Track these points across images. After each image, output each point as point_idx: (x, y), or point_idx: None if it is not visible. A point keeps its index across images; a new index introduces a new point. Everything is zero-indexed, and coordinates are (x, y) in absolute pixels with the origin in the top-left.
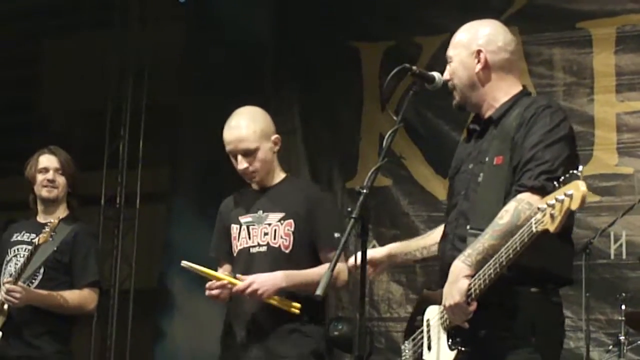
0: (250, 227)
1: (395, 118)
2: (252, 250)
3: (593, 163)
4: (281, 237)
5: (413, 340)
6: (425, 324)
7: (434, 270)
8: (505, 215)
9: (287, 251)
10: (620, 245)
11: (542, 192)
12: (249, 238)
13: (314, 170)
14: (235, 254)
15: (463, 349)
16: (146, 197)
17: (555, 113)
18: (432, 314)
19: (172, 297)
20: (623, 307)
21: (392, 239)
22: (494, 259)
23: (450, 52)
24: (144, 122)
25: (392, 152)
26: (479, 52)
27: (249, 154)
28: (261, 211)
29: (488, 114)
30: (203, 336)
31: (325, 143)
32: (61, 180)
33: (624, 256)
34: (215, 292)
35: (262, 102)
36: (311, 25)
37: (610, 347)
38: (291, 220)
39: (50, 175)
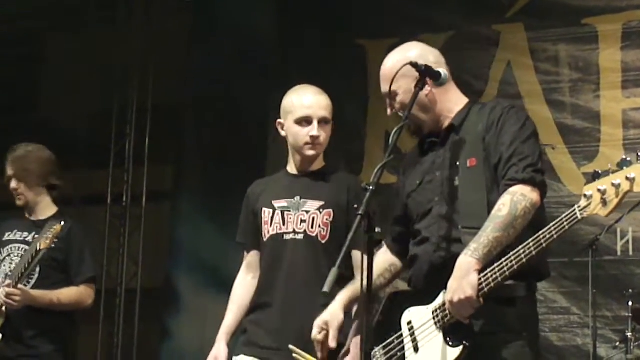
0: (285, 213)
1: (400, 114)
2: (286, 237)
3: (599, 159)
4: (319, 227)
5: (386, 346)
6: (406, 327)
7: None
8: (504, 208)
9: (323, 241)
10: (627, 241)
11: (532, 183)
12: (283, 224)
13: None
14: (265, 239)
15: (467, 343)
16: (152, 195)
17: (520, 112)
18: (415, 315)
19: (178, 296)
20: (630, 303)
21: None
22: (516, 250)
23: (390, 88)
24: (150, 120)
25: (398, 150)
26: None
27: (325, 123)
28: (299, 197)
29: (447, 122)
30: (209, 335)
31: (330, 140)
32: (20, 186)
33: (630, 253)
34: None
35: (267, 101)
36: (316, 22)
37: (617, 343)
38: (330, 210)
39: (12, 184)
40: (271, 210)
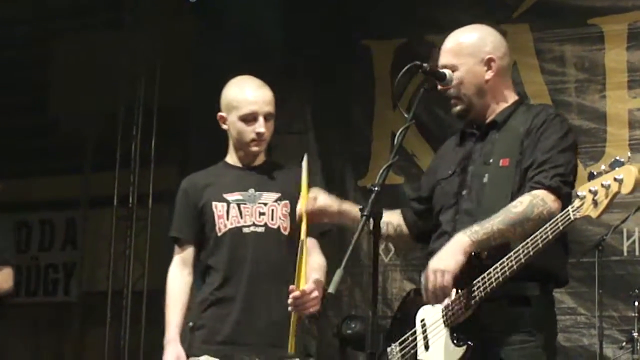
0: (242, 206)
1: (406, 116)
2: (245, 230)
3: (605, 159)
4: (280, 218)
5: (402, 342)
6: (419, 324)
7: None
8: (520, 206)
9: (285, 233)
10: (633, 241)
11: (557, 192)
12: (241, 217)
13: (326, 169)
14: (220, 233)
15: (471, 343)
16: (159, 197)
17: (564, 122)
18: (428, 313)
19: None
20: (636, 303)
21: None
22: (516, 250)
23: (453, 60)
24: (156, 122)
25: (404, 150)
26: (491, 59)
27: (270, 118)
28: (252, 189)
29: (491, 118)
30: None
31: (337, 142)
32: None
33: (636, 253)
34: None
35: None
36: (322, 23)
37: (624, 343)
38: (287, 202)
39: None
40: (225, 204)
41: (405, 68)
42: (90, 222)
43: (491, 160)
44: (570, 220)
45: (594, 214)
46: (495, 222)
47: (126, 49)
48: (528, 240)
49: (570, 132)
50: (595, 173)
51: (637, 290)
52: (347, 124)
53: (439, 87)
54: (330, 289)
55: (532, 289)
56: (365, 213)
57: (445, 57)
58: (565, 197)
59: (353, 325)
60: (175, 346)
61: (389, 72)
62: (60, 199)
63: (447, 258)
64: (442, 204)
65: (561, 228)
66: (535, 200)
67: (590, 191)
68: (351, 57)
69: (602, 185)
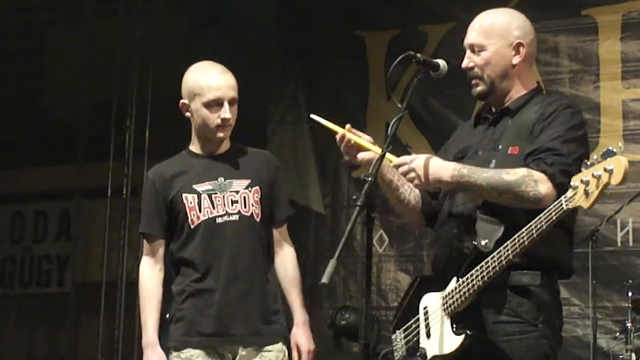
0: (213, 196)
1: (400, 106)
2: (219, 220)
3: (599, 150)
4: (252, 205)
5: (405, 330)
6: (422, 311)
7: None
8: (512, 175)
9: (258, 219)
10: (627, 232)
11: (552, 179)
12: (213, 207)
13: (320, 160)
14: (193, 225)
15: (469, 332)
16: None
17: (577, 114)
18: (431, 301)
19: None
20: (630, 294)
21: (399, 228)
22: (512, 239)
23: (481, 40)
24: (150, 112)
25: (398, 141)
26: (520, 44)
27: (233, 104)
28: (222, 178)
29: (506, 104)
30: None
31: (331, 133)
32: None
33: (630, 243)
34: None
35: (267, 93)
36: (316, 14)
37: (618, 334)
38: (258, 188)
39: None
40: (196, 195)
41: (399, 58)
42: (84, 213)
43: (500, 147)
44: (563, 210)
45: (585, 204)
46: (480, 177)
47: (120, 39)
48: (523, 230)
49: (581, 125)
50: (588, 163)
51: (630, 281)
52: (341, 115)
53: (433, 74)
54: (324, 280)
55: (534, 278)
56: (358, 203)
57: (474, 35)
58: (559, 187)
59: (347, 316)
60: (156, 349)
61: (382, 63)
62: (54, 190)
63: (429, 173)
64: (445, 189)
65: (554, 218)
66: (529, 178)
67: (582, 181)
68: (345, 48)
69: (593, 176)
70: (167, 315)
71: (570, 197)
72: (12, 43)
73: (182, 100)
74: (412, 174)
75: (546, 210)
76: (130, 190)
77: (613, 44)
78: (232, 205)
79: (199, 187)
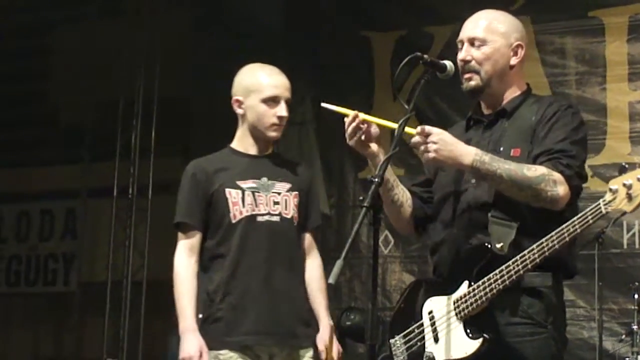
0: (256, 194)
1: (406, 107)
2: (260, 218)
3: (606, 152)
4: (292, 209)
5: (406, 335)
6: (427, 316)
7: None
8: (533, 172)
9: (296, 223)
10: (633, 234)
11: (569, 182)
12: (256, 205)
13: (327, 161)
14: (234, 221)
15: (487, 336)
16: (158, 187)
17: (577, 115)
18: (436, 305)
19: None
20: (636, 296)
21: None
22: (539, 243)
23: (483, 35)
24: (156, 112)
25: (404, 142)
26: (519, 46)
27: (288, 104)
28: (265, 178)
29: (500, 106)
30: None
31: (337, 133)
32: None
33: (636, 245)
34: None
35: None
36: (322, 15)
37: (623, 336)
38: (297, 193)
39: None
40: (239, 191)
41: (406, 59)
42: (90, 213)
43: (501, 149)
44: (601, 214)
45: (628, 207)
46: (502, 168)
47: (126, 38)
48: (553, 233)
49: (582, 126)
50: (627, 165)
51: (637, 283)
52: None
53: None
54: (330, 280)
55: (546, 279)
56: (365, 204)
57: (475, 29)
58: (574, 189)
59: (352, 317)
60: (197, 336)
61: (389, 64)
62: (60, 189)
63: (449, 151)
64: (449, 190)
65: (591, 222)
66: (549, 177)
67: (624, 185)
68: (351, 48)
69: (638, 179)
70: (200, 316)
71: (610, 201)
72: (18, 43)
73: (235, 97)
74: (432, 146)
75: (582, 214)
76: (137, 189)
77: (620, 46)
78: (274, 206)
79: (243, 184)
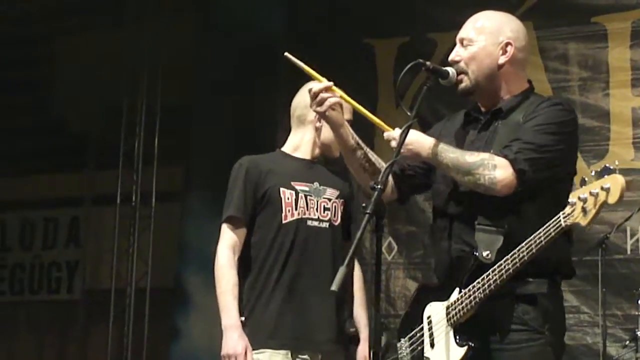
0: (308, 197)
1: (409, 114)
2: (310, 222)
3: (609, 158)
4: (340, 216)
5: (410, 338)
6: (426, 321)
7: None
8: (472, 157)
9: (342, 231)
10: (637, 240)
11: (513, 165)
12: (307, 208)
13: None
14: (285, 221)
15: (472, 344)
16: (162, 195)
17: (564, 112)
18: (435, 310)
19: (188, 296)
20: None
21: (408, 235)
22: (512, 254)
23: (471, 34)
24: (159, 120)
25: None
26: (508, 44)
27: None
28: (317, 183)
29: (497, 105)
30: (220, 334)
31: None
32: None
33: None
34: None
35: (276, 99)
36: (324, 20)
37: (627, 342)
38: (343, 201)
39: None
40: (293, 192)
41: (408, 66)
42: (94, 221)
43: (492, 150)
44: (561, 227)
45: (583, 222)
46: (448, 157)
47: (129, 47)
48: (523, 245)
49: (568, 123)
50: (586, 179)
51: None
52: (349, 122)
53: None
54: (334, 287)
55: (540, 286)
56: (367, 211)
57: (466, 29)
58: (519, 173)
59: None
60: (241, 333)
61: (391, 71)
62: (64, 197)
63: (408, 150)
64: (448, 190)
65: (553, 234)
66: (488, 161)
67: (579, 198)
68: (354, 56)
69: (591, 194)
70: (243, 318)
71: (569, 214)
72: (22, 52)
73: (309, 118)
74: (394, 143)
75: (544, 227)
76: (140, 197)
77: (623, 52)
78: (324, 212)
79: (297, 186)
